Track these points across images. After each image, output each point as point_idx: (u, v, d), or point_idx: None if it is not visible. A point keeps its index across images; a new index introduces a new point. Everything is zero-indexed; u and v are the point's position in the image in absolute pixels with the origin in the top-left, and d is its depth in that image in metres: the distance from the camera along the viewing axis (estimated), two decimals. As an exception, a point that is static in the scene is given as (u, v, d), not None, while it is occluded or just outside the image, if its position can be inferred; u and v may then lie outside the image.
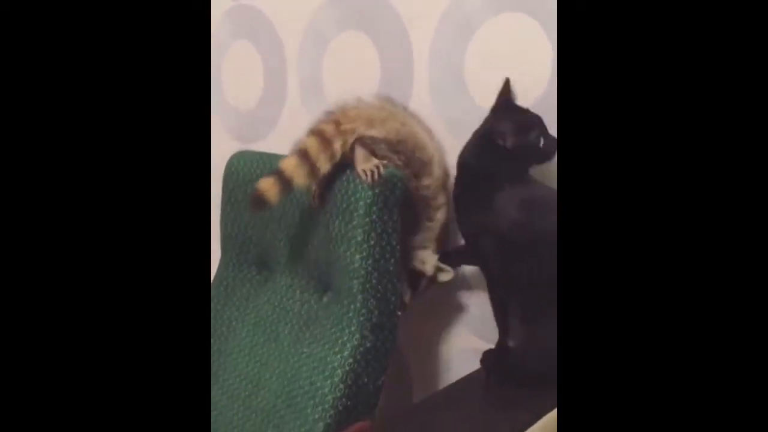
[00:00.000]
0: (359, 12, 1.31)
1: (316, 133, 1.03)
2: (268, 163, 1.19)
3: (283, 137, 1.49)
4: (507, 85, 1.01)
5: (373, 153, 1.02)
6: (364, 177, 0.99)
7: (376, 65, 1.29)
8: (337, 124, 1.04)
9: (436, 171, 1.08)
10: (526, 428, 0.84)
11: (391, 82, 1.27)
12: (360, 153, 1.02)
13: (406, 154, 1.04)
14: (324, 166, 1.01)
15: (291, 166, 1.01)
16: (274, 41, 1.46)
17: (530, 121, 0.99)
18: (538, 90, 1.08)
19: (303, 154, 1.01)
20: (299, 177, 1.01)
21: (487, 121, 1.03)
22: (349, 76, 1.35)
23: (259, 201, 1.00)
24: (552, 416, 0.88)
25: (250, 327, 1.18)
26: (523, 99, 1.09)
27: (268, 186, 1.00)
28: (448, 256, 1.11)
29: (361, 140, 1.02)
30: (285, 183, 1.00)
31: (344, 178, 1.04)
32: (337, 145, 1.02)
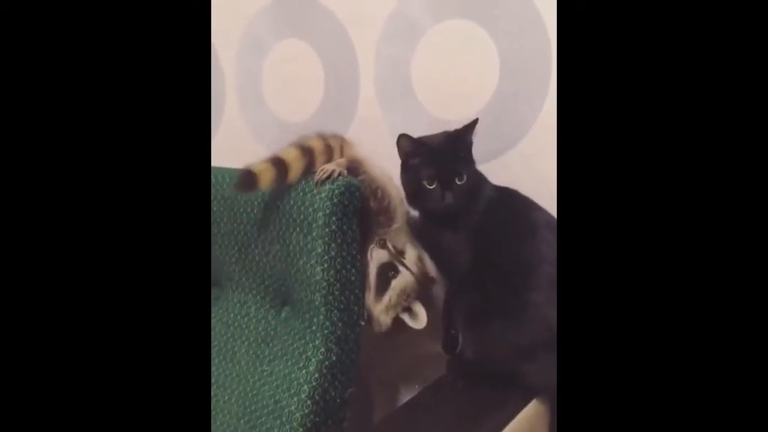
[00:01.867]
0: (299, 20, 1.29)
1: (323, 139, 1.03)
2: (213, 177, 1.15)
3: (222, 148, 1.44)
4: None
5: (353, 172, 1.01)
6: (319, 173, 0.98)
7: (320, 73, 1.28)
8: (341, 148, 1.05)
9: (398, 220, 1.05)
10: (502, 429, 0.85)
11: (337, 90, 1.26)
12: (341, 160, 1.01)
13: (379, 202, 1.02)
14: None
15: (292, 157, 0.99)
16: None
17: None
18: (486, 96, 1.10)
19: (307, 150, 1.00)
20: (297, 170, 0.99)
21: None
22: (292, 85, 1.32)
23: (249, 180, 0.95)
24: (523, 414, 0.89)
25: (202, 348, 1.13)
26: (470, 105, 1.11)
27: (262, 168, 0.97)
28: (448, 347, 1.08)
29: (353, 160, 1.02)
30: (281, 171, 0.98)
31: (299, 189, 1.02)
32: (334, 160, 1.01)
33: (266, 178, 0.97)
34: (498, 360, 0.94)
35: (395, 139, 1.02)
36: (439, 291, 1.14)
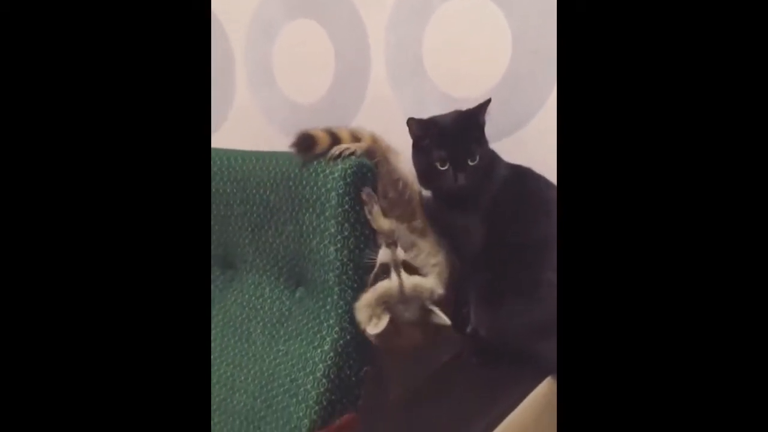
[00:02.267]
0: (309, 0, 1.28)
1: (373, 137, 1.05)
2: (225, 159, 1.15)
3: (233, 130, 1.45)
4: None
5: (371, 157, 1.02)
6: (333, 150, 1.00)
7: (331, 54, 1.27)
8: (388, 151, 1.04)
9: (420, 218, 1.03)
10: (515, 407, 0.85)
11: (348, 70, 1.26)
12: (361, 143, 1.02)
13: (400, 194, 1.01)
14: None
15: (344, 135, 1.02)
16: (218, 34, 1.41)
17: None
18: (498, 74, 1.09)
19: (356, 136, 1.03)
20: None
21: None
22: (303, 66, 1.32)
23: (307, 141, 1.00)
24: (537, 392, 0.90)
25: (218, 329, 1.14)
26: (482, 83, 1.10)
27: (319, 134, 1.01)
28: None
29: (373, 148, 1.02)
30: (335, 142, 1.01)
31: (312, 170, 1.02)
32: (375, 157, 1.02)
33: (323, 143, 1.00)
34: (511, 338, 0.94)
35: (406, 115, 1.01)
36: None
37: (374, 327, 0.91)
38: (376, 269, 0.96)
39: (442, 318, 0.91)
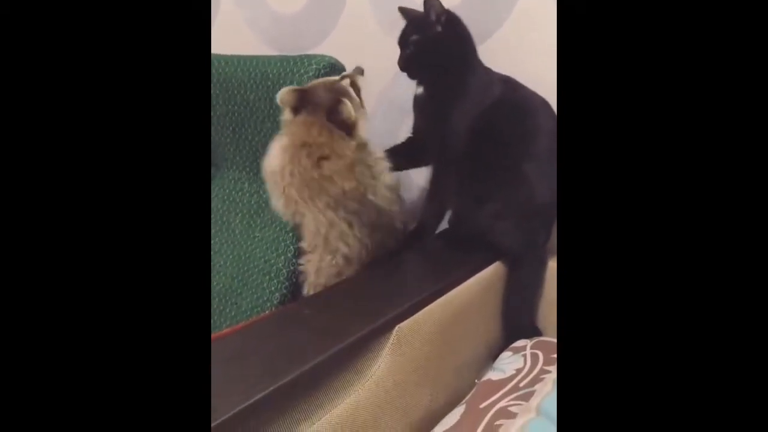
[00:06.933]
0: None
1: None
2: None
3: (218, 36, 1.50)
4: None
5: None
6: None
7: (312, -33, 1.33)
8: None
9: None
10: (468, 278, 0.95)
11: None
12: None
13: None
14: None
15: None
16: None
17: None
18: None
19: None
20: None
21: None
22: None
23: None
24: (487, 270, 1.00)
25: (201, 221, 1.23)
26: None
27: None
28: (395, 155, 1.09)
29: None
30: None
31: (288, 70, 1.09)
32: None
33: None
34: (479, 226, 1.02)
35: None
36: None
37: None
38: None
39: None
